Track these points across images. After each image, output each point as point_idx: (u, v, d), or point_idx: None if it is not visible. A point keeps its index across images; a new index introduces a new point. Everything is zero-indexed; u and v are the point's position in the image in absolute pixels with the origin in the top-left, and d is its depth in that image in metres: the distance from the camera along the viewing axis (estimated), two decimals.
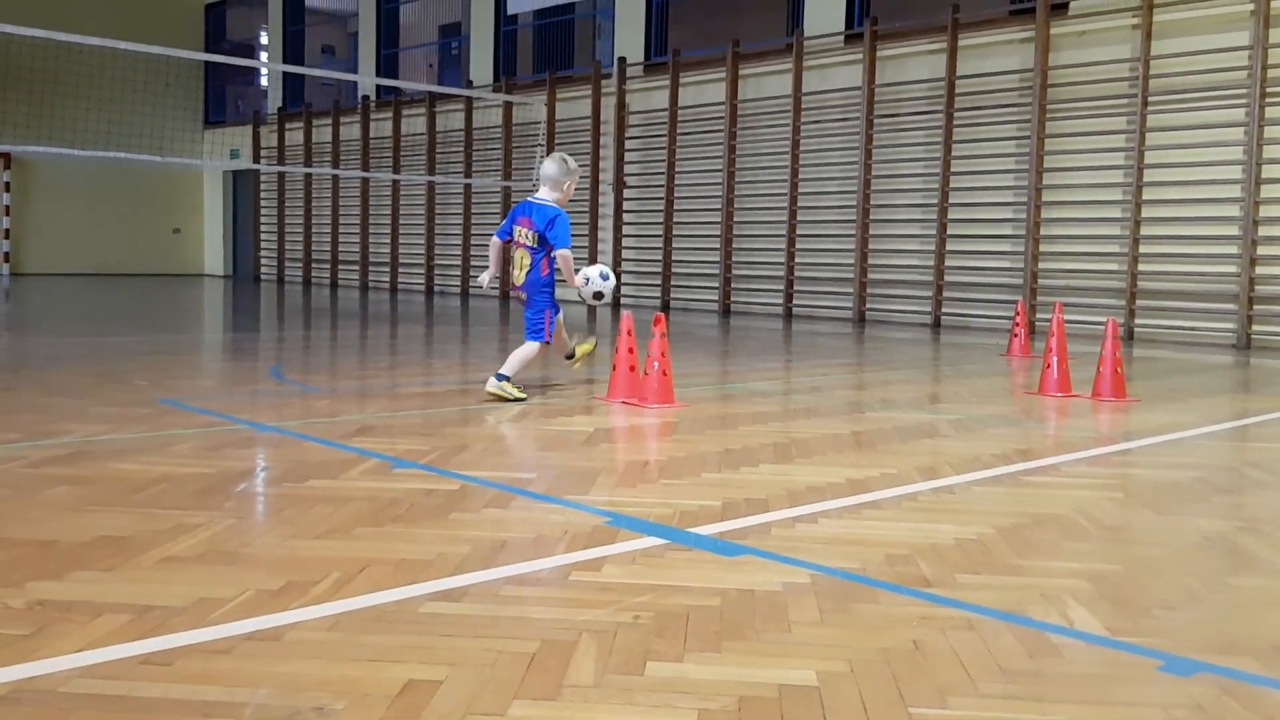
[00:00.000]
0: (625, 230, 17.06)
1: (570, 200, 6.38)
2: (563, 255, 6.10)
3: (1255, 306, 10.96)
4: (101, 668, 2.16)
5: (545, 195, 6.23)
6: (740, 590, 2.74)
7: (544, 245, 6.14)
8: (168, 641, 2.29)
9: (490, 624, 2.44)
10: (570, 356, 6.84)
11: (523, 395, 6.12)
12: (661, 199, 16.43)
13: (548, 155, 6.52)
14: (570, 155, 6.68)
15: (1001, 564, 3.05)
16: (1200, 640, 2.48)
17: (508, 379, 6.08)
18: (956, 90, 13.12)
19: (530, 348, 6.20)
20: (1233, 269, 11.06)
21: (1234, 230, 11.04)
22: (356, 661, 2.21)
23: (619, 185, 16.97)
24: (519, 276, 6.22)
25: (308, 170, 22.18)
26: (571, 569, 2.89)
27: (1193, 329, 11.39)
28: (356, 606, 2.54)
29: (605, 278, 6.32)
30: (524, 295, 6.24)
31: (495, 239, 6.39)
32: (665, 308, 16.06)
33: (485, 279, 6.48)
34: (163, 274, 25.73)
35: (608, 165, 17.22)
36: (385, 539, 3.13)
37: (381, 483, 3.88)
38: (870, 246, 14.00)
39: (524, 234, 6.18)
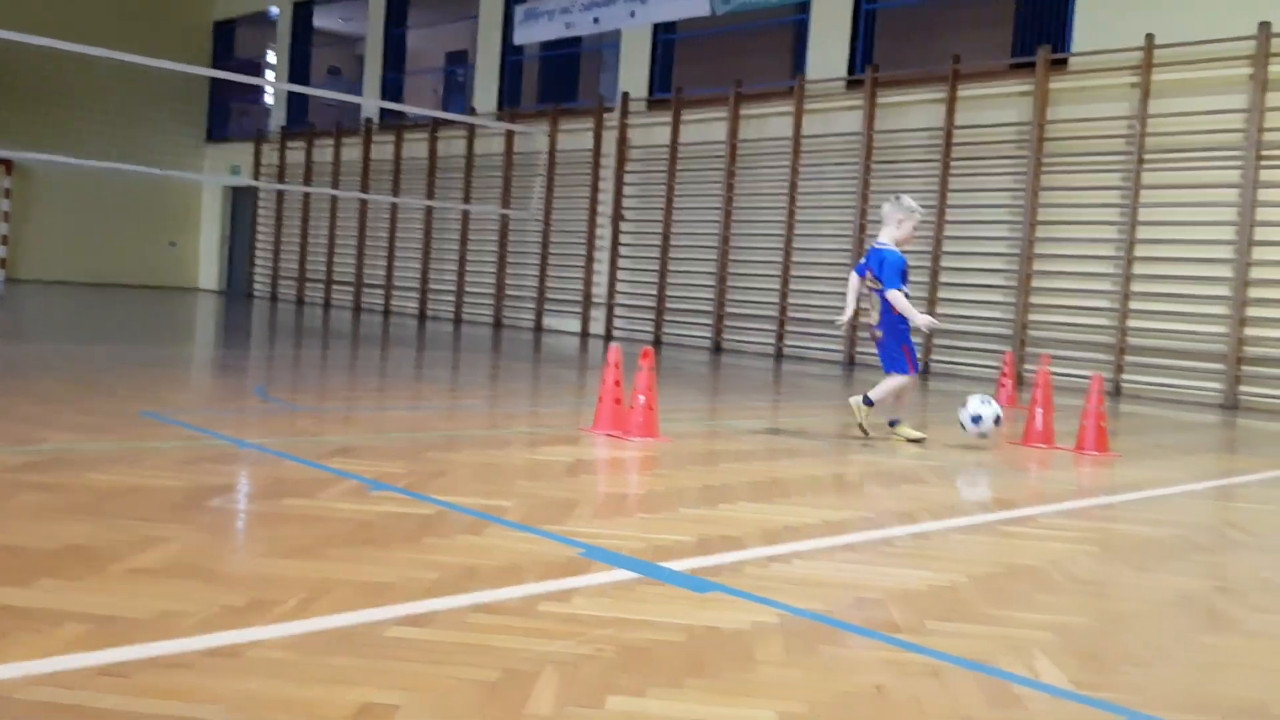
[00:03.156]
0: (621, 264, 17.11)
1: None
2: (891, 296, 6.43)
3: (1243, 367, 11.00)
4: (59, 676, 2.14)
5: (884, 236, 6.68)
6: (707, 627, 2.73)
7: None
8: (128, 653, 2.28)
9: (453, 651, 2.43)
10: (893, 424, 6.69)
11: (920, 435, 6.51)
12: (658, 234, 16.49)
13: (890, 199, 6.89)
14: (909, 196, 6.98)
15: (972, 612, 3.05)
16: (1167, 698, 2.47)
17: (898, 422, 6.57)
18: (954, 140, 13.22)
19: (893, 381, 6.53)
20: (1222, 329, 11.12)
21: (1225, 291, 11.11)
22: (315, 682, 2.19)
23: (616, 219, 17.04)
24: (875, 316, 6.63)
25: (307, 190, 22.24)
26: (540, 599, 2.87)
27: (1180, 387, 11.42)
28: (320, 627, 2.52)
29: (976, 420, 6.43)
30: (879, 334, 6.60)
31: (854, 275, 6.83)
32: (657, 343, 16.07)
33: (842, 319, 6.83)
34: (157, 286, 25.72)
35: (606, 199, 17.30)
36: (355, 561, 3.11)
37: (357, 504, 3.87)
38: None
39: (870, 279, 6.63)
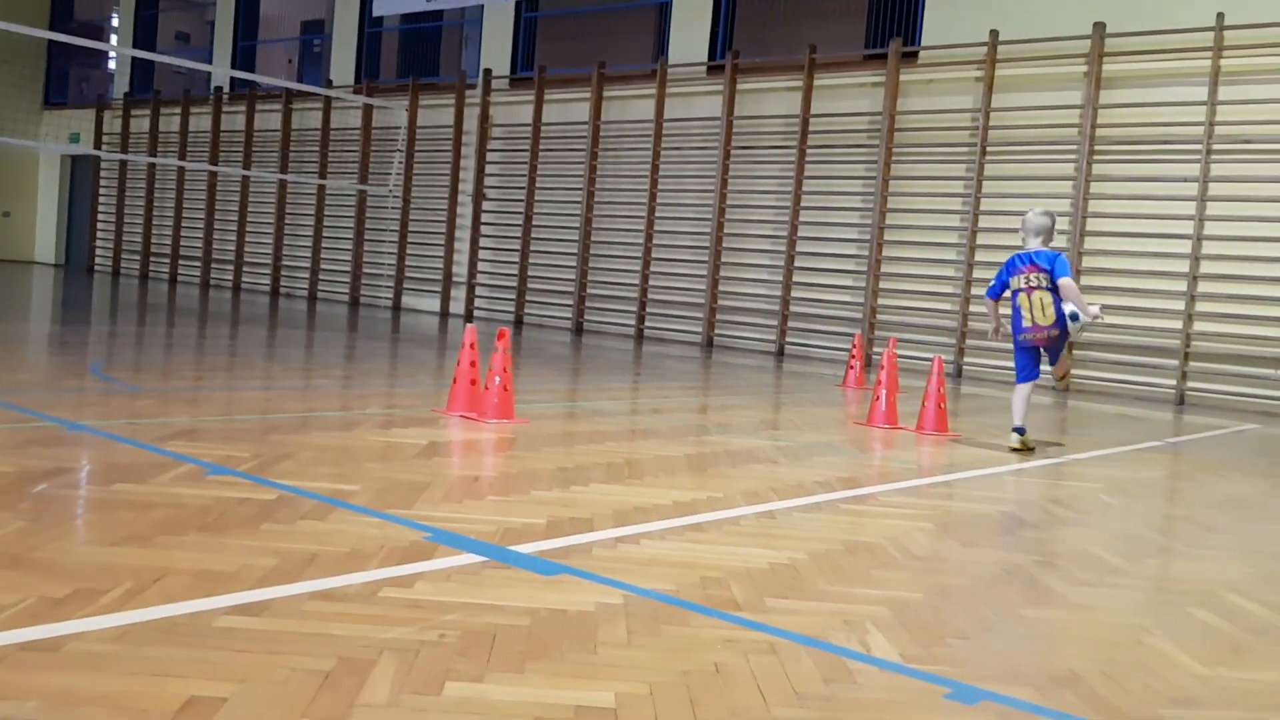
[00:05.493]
0: (482, 243, 16.93)
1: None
2: (1065, 283, 6.42)
3: (1075, 351, 11.58)
4: None
5: (1037, 245, 6.62)
6: (552, 610, 2.74)
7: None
8: None
9: (288, 640, 2.37)
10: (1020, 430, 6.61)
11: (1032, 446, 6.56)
12: (520, 214, 16.37)
13: (1037, 212, 6.82)
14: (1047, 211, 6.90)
15: (810, 589, 3.13)
16: (987, 670, 2.59)
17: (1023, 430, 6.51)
18: (810, 127, 13.50)
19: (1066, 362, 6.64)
20: None
21: None
22: (138, 676, 2.11)
23: (478, 197, 16.85)
24: (1046, 317, 6.52)
25: (152, 160, 21.28)
26: (382, 585, 2.83)
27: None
28: (147, 618, 2.43)
29: (1074, 318, 6.58)
30: (1055, 332, 6.53)
31: (988, 299, 6.84)
32: (519, 323, 15.98)
33: (995, 333, 6.89)
34: None
35: (468, 176, 17.08)
36: (187, 548, 3.01)
37: (192, 489, 3.73)
38: (721, 274, 14.25)
39: (1036, 278, 6.50)
